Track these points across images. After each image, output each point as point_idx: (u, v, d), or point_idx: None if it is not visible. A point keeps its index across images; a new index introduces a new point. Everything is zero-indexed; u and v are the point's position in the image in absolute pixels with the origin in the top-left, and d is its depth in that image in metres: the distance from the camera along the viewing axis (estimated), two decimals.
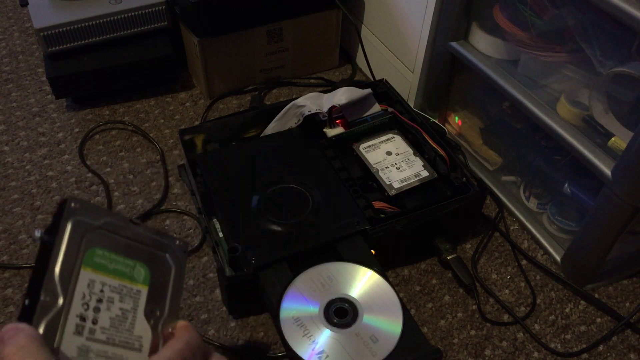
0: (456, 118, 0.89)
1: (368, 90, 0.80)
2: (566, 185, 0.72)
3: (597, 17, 0.60)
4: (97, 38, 0.89)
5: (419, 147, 0.76)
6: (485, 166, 0.84)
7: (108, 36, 0.90)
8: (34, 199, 0.80)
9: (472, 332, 0.67)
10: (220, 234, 0.68)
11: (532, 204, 0.78)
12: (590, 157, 0.62)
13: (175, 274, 0.43)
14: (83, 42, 0.89)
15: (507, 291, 0.71)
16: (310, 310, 0.58)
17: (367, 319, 0.57)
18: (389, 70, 0.95)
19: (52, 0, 0.89)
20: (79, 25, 0.87)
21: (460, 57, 0.78)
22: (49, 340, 0.35)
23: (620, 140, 0.61)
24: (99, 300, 0.38)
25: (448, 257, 0.70)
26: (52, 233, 0.37)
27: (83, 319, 0.37)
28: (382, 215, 0.67)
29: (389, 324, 0.56)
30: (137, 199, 0.80)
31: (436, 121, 0.88)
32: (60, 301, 0.36)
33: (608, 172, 0.60)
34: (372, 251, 0.64)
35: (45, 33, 0.85)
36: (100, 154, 0.87)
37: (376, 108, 0.80)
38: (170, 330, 0.41)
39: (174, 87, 0.99)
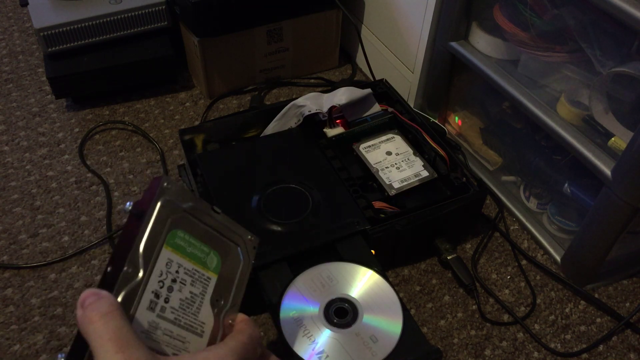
0: (456, 118, 0.89)
1: (368, 90, 0.80)
2: (566, 185, 0.72)
3: (597, 17, 0.60)
4: (97, 38, 0.90)
5: (419, 147, 0.76)
6: (485, 166, 0.84)
7: (108, 36, 0.90)
8: (34, 199, 0.80)
9: (472, 332, 0.67)
10: None
11: (532, 204, 0.78)
12: (590, 157, 0.62)
13: (243, 267, 0.44)
14: (83, 42, 0.89)
15: (507, 291, 0.71)
16: (310, 310, 0.57)
17: (367, 319, 0.57)
18: (389, 70, 0.95)
19: (52, 0, 0.90)
20: (79, 25, 0.87)
21: (460, 57, 0.78)
22: (126, 311, 0.35)
23: (620, 140, 0.61)
24: (174, 281, 0.39)
25: (448, 257, 0.70)
26: (143, 208, 0.38)
27: (157, 295, 0.37)
28: (382, 215, 0.67)
29: (389, 324, 0.56)
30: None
31: (436, 121, 0.88)
32: (141, 275, 0.36)
33: (608, 172, 0.60)
34: (372, 251, 0.64)
35: (45, 33, 0.85)
36: (100, 154, 0.87)
37: (376, 108, 0.80)
38: (230, 322, 0.42)
39: (174, 87, 0.99)
